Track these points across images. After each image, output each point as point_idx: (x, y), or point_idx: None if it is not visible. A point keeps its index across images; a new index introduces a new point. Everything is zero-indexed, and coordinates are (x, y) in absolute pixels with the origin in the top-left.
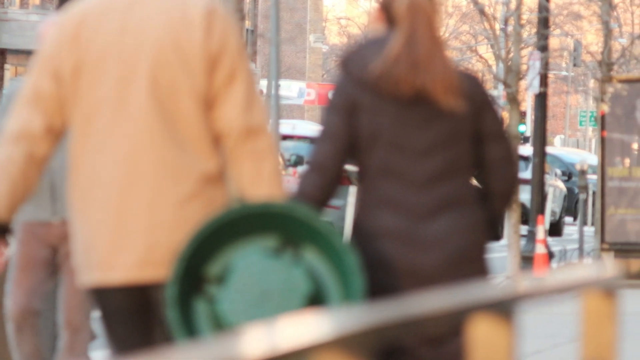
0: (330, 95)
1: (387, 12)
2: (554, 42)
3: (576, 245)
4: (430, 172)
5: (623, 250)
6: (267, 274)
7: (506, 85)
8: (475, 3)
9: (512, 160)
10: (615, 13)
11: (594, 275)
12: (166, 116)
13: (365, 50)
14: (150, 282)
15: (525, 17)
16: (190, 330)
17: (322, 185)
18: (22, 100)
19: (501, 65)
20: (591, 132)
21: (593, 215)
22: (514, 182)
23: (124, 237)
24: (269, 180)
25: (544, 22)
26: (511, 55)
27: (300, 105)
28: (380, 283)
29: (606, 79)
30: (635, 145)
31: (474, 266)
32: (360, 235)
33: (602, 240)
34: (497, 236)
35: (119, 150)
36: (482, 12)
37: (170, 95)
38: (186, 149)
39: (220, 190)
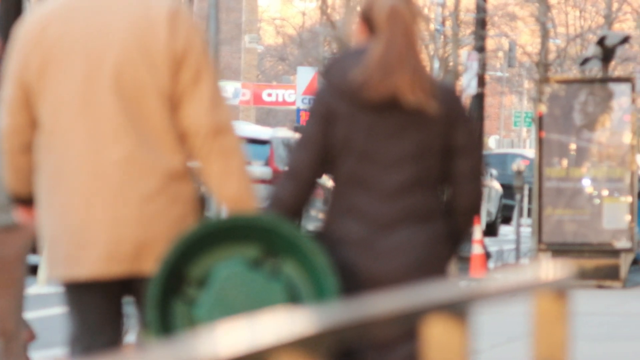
0: (310, 104)
1: (368, 23)
2: (489, 43)
3: (513, 246)
4: (398, 183)
5: (560, 250)
6: (247, 285)
7: None
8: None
9: (478, 176)
10: (550, 14)
11: (545, 276)
12: (131, 114)
13: (345, 60)
14: (115, 276)
15: (462, 17)
16: (165, 329)
17: (297, 193)
18: (3, 103)
19: (436, 65)
20: (525, 133)
21: (529, 215)
22: (479, 198)
23: (90, 232)
24: (237, 177)
25: (481, 23)
26: (447, 55)
27: (235, 106)
28: (341, 289)
29: (544, 80)
30: (572, 146)
31: (432, 277)
32: (323, 242)
33: (540, 241)
34: (457, 250)
35: (84, 147)
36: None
37: (135, 94)
38: (151, 146)
39: (184, 186)
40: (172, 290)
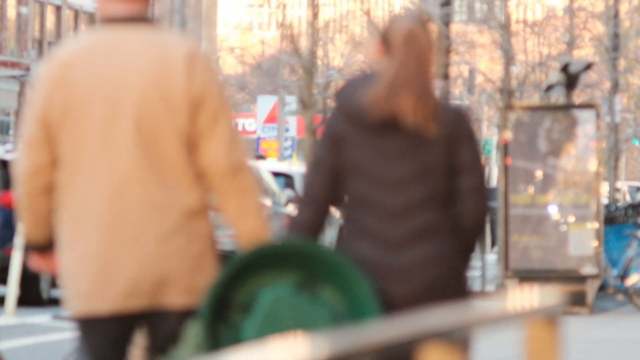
0: (322, 128)
1: (385, 43)
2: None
3: (479, 273)
4: (406, 203)
5: (527, 277)
6: (294, 309)
7: None
8: (378, 32)
9: (482, 192)
10: (515, 42)
11: (536, 303)
12: (150, 154)
13: (355, 83)
14: (135, 312)
15: None
16: (214, 352)
17: (314, 215)
18: (25, 143)
19: None
20: (484, 160)
21: (493, 242)
22: (484, 213)
23: (111, 268)
24: (253, 214)
25: (445, 51)
26: None
27: None
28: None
29: (508, 107)
30: (538, 173)
31: (448, 294)
32: None
33: (506, 268)
34: (466, 266)
35: (105, 186)
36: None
37: (154, 134)
38: (169, 185)
39: (202, 223)
40: (217, 316)
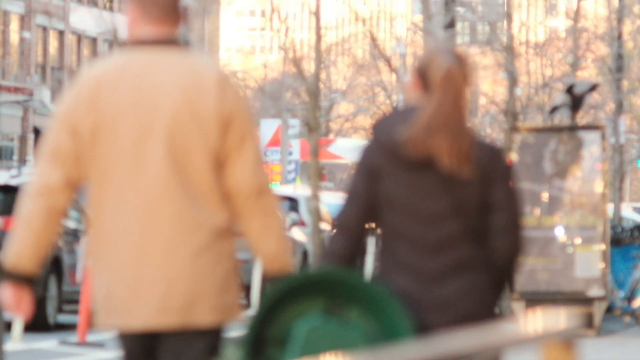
0: (358, 158)
1: (423, 79)
2: None
3: None
4: (441, 237)
5: (534, 299)
6: (330, 336)
7: None
8: (383, 54)
9: (516, 229)
10: (518, 63)
11: (554, 326)
12: (181, 173)
13: (393, 118)
14: (166, 329)
15: None
16: None
17: (348, 245)
18: (42, 157)
19: None
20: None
21: None
22: (517, 250)
23: (142, 286)
24: (275, 236)
25: None
26: None
27: None
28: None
29: (513, 128)
30: (544, 195)
31: (479, 326)
32: None
33: (512, 290)
34: (499, 301)
35: (137, 204)
36: (389, 63)
37: (185, 153)
38: (199, 204)
39: (228, 243)
40: (255, 353)
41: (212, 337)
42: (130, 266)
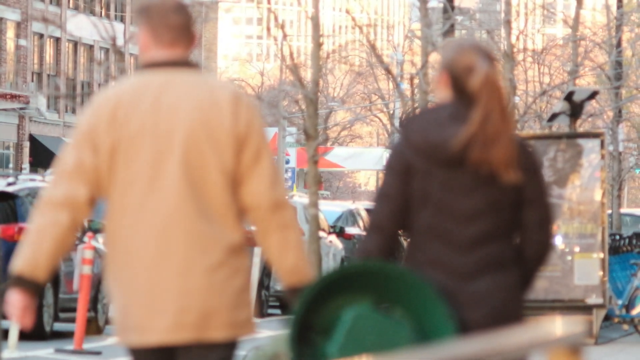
0: (388, 157)
1: (454, 80)
2: None
3: None
4: (474, 235)
5: (532, 307)
6: (376, 325)
7: None
8: (381, 62)
9: (547, 225)
10: (516, 71)
11: (559, 332)
12: (196, 191)
13: (423, 117)
14: (181, 344)
15: (430, 75)
16: None
17: (382, 244)
18: (64, 170)
19: (397, 124)
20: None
21: None
22: (548, 246)
23: (158, 302)
24: (294, 250)
25: None
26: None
27: None
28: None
29: None
30: None
31: (509, 321)
32: None
33: None
34: (526, 296)
35: (153, 222)
36: (387, 70)
37: (201, 172)
38: (214, 221)
39: (243, 259)
40: (300, 338)
41: (226, 351)
42: (146, 283)
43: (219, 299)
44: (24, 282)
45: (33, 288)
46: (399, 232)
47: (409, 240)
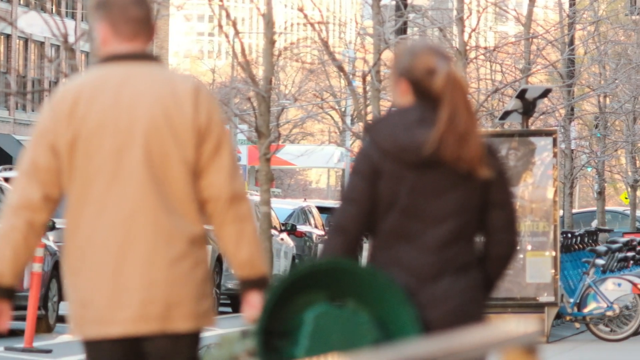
0: (355, 160)
1: (414, 85)
2: None
3: None
4: (441, 237)
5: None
6: (338, 321)
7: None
8: (334, 60)
9: (512, 227)
10: (468, 69)
11: (515, 332)
12: (158, 183)
13: (390, 119)
14: (144, 335)
15: (383, 73)
16: None
17: (345, 247)
18: (21, 173)
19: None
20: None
21: None
22: (513, 248)
23: (121, 294)
24: (250, 242)
25: None
26: (366, 112)
27: None
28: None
29: None
30: None
31: (472, 321)
32: None
33: None
34: (489, 297)
35: (116, 215)
36: (340, 68)
37: (162, 164)
38: (176, 213)
39: (204, 251)
40: (264, 344)
41: (190, 341)
42: (109, 275)
43: (183, 290)
44: None
45: (2, 293)
46: (363, 235)
47: (371, 242)
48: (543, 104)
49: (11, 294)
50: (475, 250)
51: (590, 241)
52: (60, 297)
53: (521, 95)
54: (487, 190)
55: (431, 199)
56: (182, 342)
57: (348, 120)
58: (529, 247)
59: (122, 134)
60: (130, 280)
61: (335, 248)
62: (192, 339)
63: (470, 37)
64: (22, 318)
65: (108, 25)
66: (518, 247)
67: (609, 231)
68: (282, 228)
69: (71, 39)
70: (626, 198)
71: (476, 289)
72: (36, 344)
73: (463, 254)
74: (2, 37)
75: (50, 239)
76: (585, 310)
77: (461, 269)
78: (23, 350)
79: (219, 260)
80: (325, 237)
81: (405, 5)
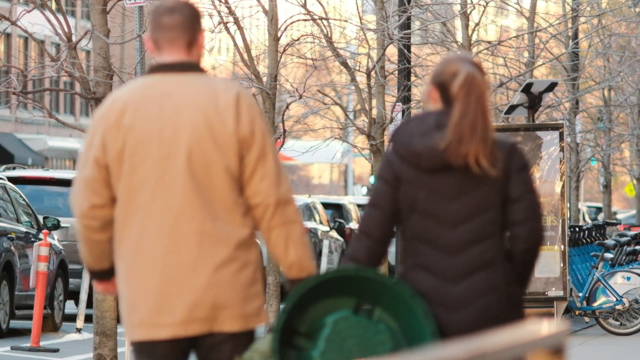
0: (379, 166)
1: (441, 89)
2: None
3: None
4: (462, 239)
5: None
6: (356, 328)
7: (370, 137)
8: (338, 56)
9: (535, 219)
10: None
11: (542, 333)
12: (202, 191)
13: (409, 125)
14: (193, 335)
15: (387, 68)
16: None
17: (371, 251)
18: (79, 183)
19: (353, 117)
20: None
21: None
22: (538, 239)
23: (169, 298)
24: (298, 245)
25: (405, 74)
26: (371, 107)
27: None
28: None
29: None
30: None
31: (500, 322)
32: None
33: None
34: (524, 291)
35: (161, 221)
36: (344, 64)
37: (206, 173)
38: (221, 219)
39: (252, 253)
40: (285, 342)
41: (240, 340)
42: (156, 280)
43: (228, 293)
44: (93, 276)
45: (101, 276)
46: (389, 239)
47: (400, 246)
48: (548, 98)
49: (110, 273)
50: (501, 247)
51: (598, 235)
52: (66, 296)
53: (527, 89)
54: (506, 187)
55: (450, 201)
56: (232, 341)
57: (351, 116)
58: None
59: (167, 144)
60: (176, 285)
61: (360, 252)
62: (241, 338)
63: (473, 31)
64: (29, 317)
65: (149, 35)
66: (541, 242)
67: (616, 224)
68: None
69: (73, 38)
70: (631, 190)
71: (504, 287)
72: (43, 343)
73: (488, 252)
74: (2, 35)
75: (55, 238)
76: (595, 304)
77: (487, 267)
78: (30, 349)
79: None
80: (351, 240)
81: (409, 1)
